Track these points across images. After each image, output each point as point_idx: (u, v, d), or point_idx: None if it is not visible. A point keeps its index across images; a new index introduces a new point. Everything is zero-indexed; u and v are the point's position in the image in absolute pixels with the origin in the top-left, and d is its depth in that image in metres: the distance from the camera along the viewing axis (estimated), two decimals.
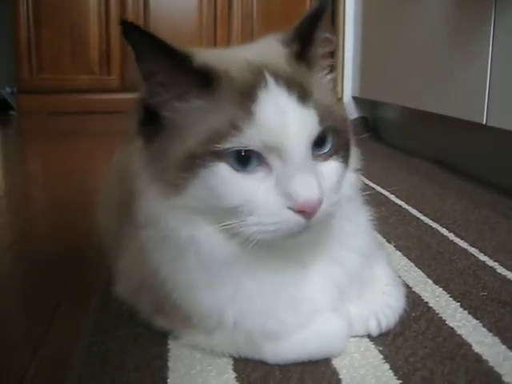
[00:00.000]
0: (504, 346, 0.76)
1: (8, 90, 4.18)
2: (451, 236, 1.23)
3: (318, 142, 0.65)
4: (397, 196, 1.58)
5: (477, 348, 0.76)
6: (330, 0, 0.68)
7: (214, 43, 3.97)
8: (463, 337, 0.79)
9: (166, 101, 0.65)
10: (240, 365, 0.73)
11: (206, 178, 0.63)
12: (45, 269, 1.13)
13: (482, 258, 1.10)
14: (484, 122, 1.63)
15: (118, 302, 0.85)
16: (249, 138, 0.61)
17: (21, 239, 1.34)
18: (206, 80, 0.64)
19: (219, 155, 0.62)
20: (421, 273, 1.03)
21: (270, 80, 0.63)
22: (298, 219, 0.62)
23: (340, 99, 0.75)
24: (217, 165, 0.62)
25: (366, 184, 1.68)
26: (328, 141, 0.66)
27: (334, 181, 0.66)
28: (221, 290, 0.70)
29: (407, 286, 0.96)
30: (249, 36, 4.03)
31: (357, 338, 0.78)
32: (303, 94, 0.64)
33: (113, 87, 3.90)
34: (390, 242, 1.19)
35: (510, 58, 1.54)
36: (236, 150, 0.62)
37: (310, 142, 0.63)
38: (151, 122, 0.67)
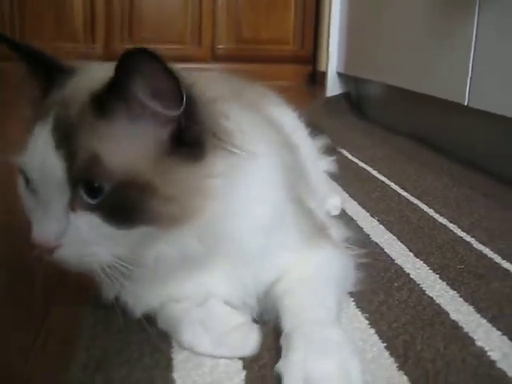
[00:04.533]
0: (478, 315, 0.82)
1: None
2: (431, 212, 1.28)
3: (91, 190, 0.62)
4: (379, 172, 1.61)
5: (453, 316, 0.81)
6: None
7: (199, 33, 3.98)
8: (441, 306, 0.85)
9: None
10: None
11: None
12: None
13: (460, 233, 1.15)
14: (466, 104, 1.67)
15: None
16: (21, 162, 0.66)
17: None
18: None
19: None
20: (403, 246, 1.08)
21: (50, 117, 0.64)
22: None
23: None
24: (20, 176, 0.68)
25: (350, 159, 1.73)
26: (99, 194, 0.62)
27: (88, 234, 0.64)
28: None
29: (390, 259, 1.02)
30: (234, 28, 4.02)
31: (344, 306, 0.82)
32: (61, 140, 0.62)
33: (97, 55, 3.86)
34: (373, 216, 1.24)
35: (493, 39, 1.56)
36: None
37: (58, 186, 0.62)
38: None
